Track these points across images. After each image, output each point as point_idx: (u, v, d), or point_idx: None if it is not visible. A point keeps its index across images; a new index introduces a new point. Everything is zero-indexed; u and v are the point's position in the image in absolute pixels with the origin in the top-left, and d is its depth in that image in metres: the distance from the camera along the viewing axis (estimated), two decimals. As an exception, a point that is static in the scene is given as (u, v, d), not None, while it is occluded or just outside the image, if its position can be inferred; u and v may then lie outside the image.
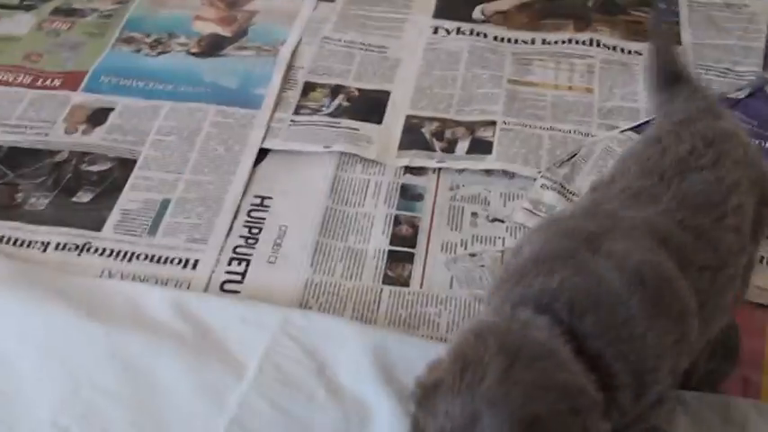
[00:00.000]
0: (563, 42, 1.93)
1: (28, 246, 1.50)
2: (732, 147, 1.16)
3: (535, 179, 1.59)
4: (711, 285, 1.05)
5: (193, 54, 1.91)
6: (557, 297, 0.97)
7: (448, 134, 1.71)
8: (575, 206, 1.21)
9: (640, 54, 1.89)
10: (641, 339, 0.97)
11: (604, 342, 0.95)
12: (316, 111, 1.77)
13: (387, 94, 1.81)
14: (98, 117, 1.75)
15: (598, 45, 1.93)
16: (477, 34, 1.97)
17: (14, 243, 1.50)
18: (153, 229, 1.53)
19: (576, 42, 1.92)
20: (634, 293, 0.97)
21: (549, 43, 1.94)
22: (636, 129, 1.68)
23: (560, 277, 0.98)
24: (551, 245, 1.04)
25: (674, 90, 1.27)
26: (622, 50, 1.92)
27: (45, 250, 1.49)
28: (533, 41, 1.95)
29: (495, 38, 1.96)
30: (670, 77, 1.28)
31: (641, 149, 1.19)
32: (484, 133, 1.71)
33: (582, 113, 1.75)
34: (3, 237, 1.51)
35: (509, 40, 1.95)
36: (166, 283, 1.44)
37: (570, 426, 0.88)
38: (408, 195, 1.60)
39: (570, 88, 1.82)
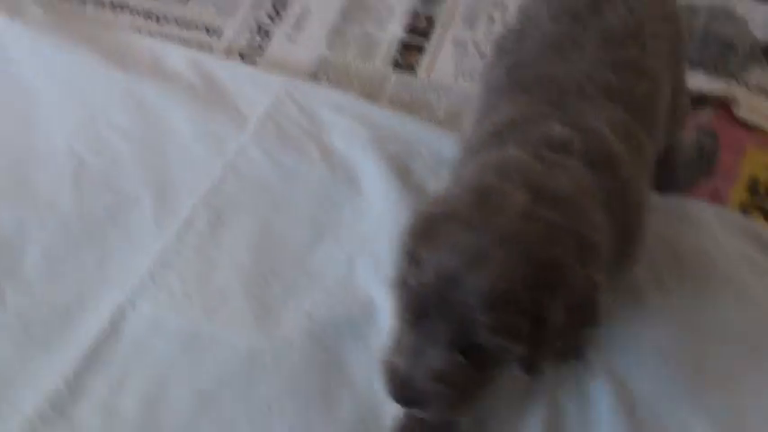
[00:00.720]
0: None
1: (68, -1, 1.60)
2: None
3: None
4: (653, 109, 1.06)
5: None
6: (570, 145, 0.93)
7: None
8: (489, 73, 1.14)
9: None
10: (637, 207, 0.97)
11: (616, 201, 0.92)
12: None
13: None
14: None
15: None
16: None
17: (56, -5, 1.60)
18: (185, -3, 1.62)
19: None
20: (625, 155, 0.96)
21: None
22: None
23: (560, 129, 0.94)
24: (520, 107, 1.00)
25: None
26: None
27: (84, 3, 1.59)
28: None
29: None
30: None
31: None
32: (517, -56, 1.73)
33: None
34: (45, -12, 1.61)
35: None
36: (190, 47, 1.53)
37: (578, 277, 0.84)
38: (432, -5, 1.65)
39: None
